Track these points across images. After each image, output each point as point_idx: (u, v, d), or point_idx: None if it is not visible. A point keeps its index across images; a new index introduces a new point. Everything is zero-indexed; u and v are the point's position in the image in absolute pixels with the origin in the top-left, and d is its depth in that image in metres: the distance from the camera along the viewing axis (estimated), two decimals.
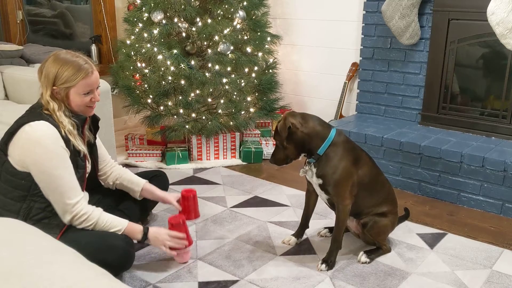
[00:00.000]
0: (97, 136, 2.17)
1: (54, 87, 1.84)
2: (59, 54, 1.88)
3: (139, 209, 2.35)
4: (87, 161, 2.01)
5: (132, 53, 3.52)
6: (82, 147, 1.93)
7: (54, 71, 1.83)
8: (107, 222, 1.92)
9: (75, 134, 1.89)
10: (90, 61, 1.92)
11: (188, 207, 2.42)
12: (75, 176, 1.87)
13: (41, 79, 1.87)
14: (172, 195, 2.38)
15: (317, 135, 2.08)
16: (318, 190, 2.20)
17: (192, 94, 3.34)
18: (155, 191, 2.33)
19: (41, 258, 1.00)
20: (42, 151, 1.78)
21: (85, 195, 2.08)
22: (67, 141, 1.84)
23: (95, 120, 2.11)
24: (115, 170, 2.30)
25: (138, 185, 2.30)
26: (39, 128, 1.79)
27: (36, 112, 1.85)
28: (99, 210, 1.94)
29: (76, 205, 1.85)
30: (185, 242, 2.10)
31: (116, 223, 1.94)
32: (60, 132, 1.82)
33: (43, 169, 1.79)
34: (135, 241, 2.02)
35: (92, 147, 2.10)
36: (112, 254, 1.86)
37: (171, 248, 2.06)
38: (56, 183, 1.81)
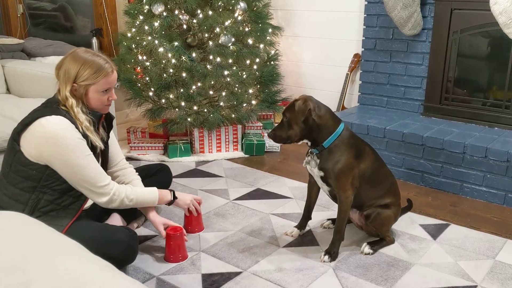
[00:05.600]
0: (111, 134, 2.18)
1: (74, 84, 1.87)
2: (78, 52, 1.91)
3: None
4: (99, 159, 2.03)
5: (133, 46, 3.51)
6: (99, 142, 1.95)
7: (76, 68, 1.86)
8: (143, 195, 2.08)
9: (92, 130, 1.91)
10: (110, 60, 1.95)
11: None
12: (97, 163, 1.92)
13: (60, 76, 1.89)
14: (160, 221, 2.18)
15: (326, 127, 2.07)
16: (319, 182, 2.20)
17: (194, 87, 3.34)
18: (148, 212, 2.22)
19: (44, 251, 1.00)
20: (61, 144, 1.80)
21: None
22: (84, 137, 1.87)
23: (109, 118, 2.12)
24: (122, 175, 2.22)
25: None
26: (55, 122, 1.81)
27: (52, 107, 1.87)
28: (130, 186, 2.06)
29: (109, 186, 1.93)
30: (199, 210, 2.37)
31: (149, 196, 2.11)
32: (77, 128, 1.85)
33: (66, 162, 1.82)
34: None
35: (105, 145, 2.10)
36: (116, 248, 1.87)
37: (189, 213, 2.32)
38: (83, 172, 1.85)
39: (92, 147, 1.92)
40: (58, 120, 1.82)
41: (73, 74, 1.86)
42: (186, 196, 2.29)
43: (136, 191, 2.05)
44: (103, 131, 2.08)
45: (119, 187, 1.98)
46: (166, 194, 2.19)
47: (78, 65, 1.86)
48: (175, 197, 2.22)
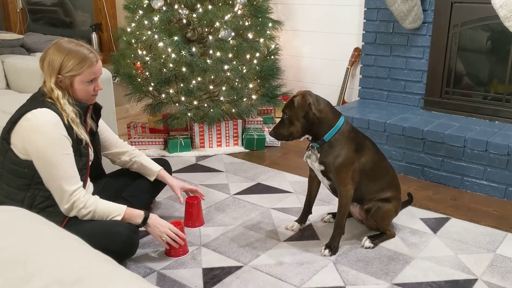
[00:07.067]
0: (101, 121, 2.18)
1: (58, 75, 1.85)
2: (62, 42, 1.88)
3: (142, 196, 2.36)
4: (89, 149, 2.02)
5: (133, 40, 3.50)
6: (85, 135, 1.93)
7: (60, 59, 1.84)
8: (104, 208, 1.91)
9: (77, 123, 1.89)
10: (93, 49, 1.94)
11: (191, 213, 2.39)
12: (76, 165, 1.87)
13: (44, 68, 1.87)
14: (177, 185, 2.36)
15: (327, 121, 2.07)
16: (320, 176, 2.20)
17: (194, 82, 3.33)
18: (167, 180, 2.37)
19: (45, 246, 1.00)
20: (43, 137, 1.79)
21: (90, 186, 2.09)
22: (69, 129, 1.85)
23: (97, 108, 2.12)
24: (127, 155, 2.32)
25: (153, 173, 2.36)
26: (42, 115, 1.80)
27: (38, 100, 1.86)
28: (95, 197, 1.93)
29: (74, 193, 1.84)
30: (182, 242, 2.08)
31: (113, 210, 1.94)
32: (62, 120, 1.83)
33: (42, 155, 1.79)
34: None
35: (94, 135, 2.10)
36: (116, 241, 1.87)
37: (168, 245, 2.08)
38: (55, 170, 1.81)
39: (78, 140, 1.90)
40: (43, 112, 1.80)
41: (57, 65, 1.84)
42: (160, 224, 2.02)
43: (96, 204, 1.89)
44: (91, 121, 2.07)
45: (82, 196, 1.86)
46: (137, 217, 1.98)
47: (62, 56, 1.84)
48: (144, 223, 1.99)
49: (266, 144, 3.57)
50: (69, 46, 1.86)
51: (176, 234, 2.05)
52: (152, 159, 2.46)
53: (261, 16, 3.55)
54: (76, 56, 1.85)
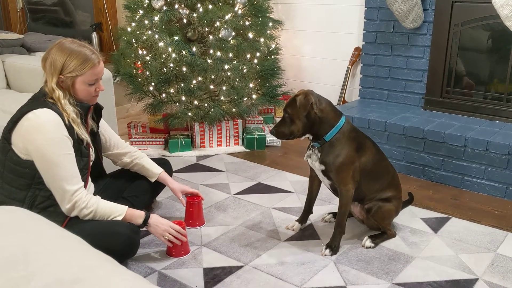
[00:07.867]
0: (103, 122, 2.18)
1: (60, 76, 1.85)
2: (64, 43, 1.88)
3: (143, 196, 2.36)
4: (90, 149, 2.02)
5: (133, 40, 3.50)
6: (85, 136, 1.93)
7: (62, 60, 1.84)
8: (105, 209, 1.92)
9: (78, 123, 1.89)
10: (96, 50, 1.93)
11: (192, 213, 2.39)
12: (77, 165, 1.87)
13: (46, 68, 1.87)
14: (179, 188, 2.37)
15: (328, 120, 2.07)
16: (320, 176, 2.20)
17: (194, 81, 3.33)
18: (168, 183, 2.38)
19: (46, 245, 1.00)
20: (44, 137, 1.79)
21: (91, 186, 2.09)
22: (70, 129, 1.85)
23: (98, 109, 2.12)
24: (129, 157, 2.33)
25: (154, 175, 2.36)
26: (43, 115, 1.80)
27: (40, 100, 1.86)
28: (97, 197, 1.94)
29: (76, 193, 1.84)
30: (184, 239, 2.09)
31: (114, 210, 1.94)
32: (63, 120, 1.83)
33: (44, 155, 1.79)
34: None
35: (95, 136, 2.10)
36: (116, 241, 1.87)
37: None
38: (56, 169, 1.81)
39: (79, 140, 1.90)
40: (44, 113, 1.80)
41: (59, 65, 1.83)
42: (161, 223, 2.03)
43: (98, 204, 1.90)
44: (92, 122, 2.07)
45: (83, 196, 1.87)
46: (138, 217, 1.98)
47: (64, 56, 1.83)
48: (145, 223, 1.99)
49: (266, 144, 3.57)
50: (71, 47, 1.86)
51: (178, 232, 2.06)
52: (152, 158, 2.47)
53: (262, 16, 3.55)
54: (78, 56, 1.85)
